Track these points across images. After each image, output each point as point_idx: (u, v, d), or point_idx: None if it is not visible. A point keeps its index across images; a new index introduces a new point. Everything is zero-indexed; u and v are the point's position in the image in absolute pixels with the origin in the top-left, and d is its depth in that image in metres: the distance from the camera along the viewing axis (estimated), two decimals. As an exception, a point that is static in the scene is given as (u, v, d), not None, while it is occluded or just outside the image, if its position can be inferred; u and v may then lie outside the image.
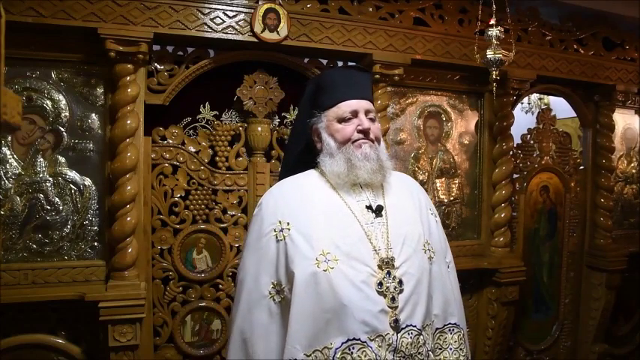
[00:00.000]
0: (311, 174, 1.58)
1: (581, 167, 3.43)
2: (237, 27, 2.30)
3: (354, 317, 1.31)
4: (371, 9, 2.58)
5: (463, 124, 3.01)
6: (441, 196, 2.92)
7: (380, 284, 1.36)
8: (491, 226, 3.00)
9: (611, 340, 3.57)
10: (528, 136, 3.22)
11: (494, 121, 2.97)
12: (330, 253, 1.36)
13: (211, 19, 2.25)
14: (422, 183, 2.86)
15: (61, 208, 2.17)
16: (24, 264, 2.09)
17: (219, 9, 2.27)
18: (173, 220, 2.37)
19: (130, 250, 2.12)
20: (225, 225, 2.46)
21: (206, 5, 2.24)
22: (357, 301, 1.32)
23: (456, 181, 2.97)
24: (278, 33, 2.34)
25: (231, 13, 2.29)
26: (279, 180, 1.66)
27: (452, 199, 2.95)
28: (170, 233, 2.37)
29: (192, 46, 2.38)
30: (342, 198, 1.49)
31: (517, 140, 3.09)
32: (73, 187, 2.19)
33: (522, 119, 4.06)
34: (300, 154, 1.65)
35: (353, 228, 1.43)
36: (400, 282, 1.38)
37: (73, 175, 2.18)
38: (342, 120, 1.50)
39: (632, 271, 3.48)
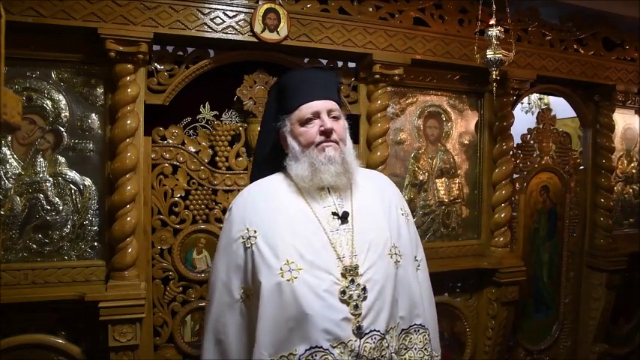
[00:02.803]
0: (280, 177, 1.59)
1: (581, 167, 3.43)
2: (237, 27, 2.30)
3: (316, 326, 1.35)
4: (371, 9, 2.58)
5: (463, 124, 3.01)
6: (441, 196, 2.92)
7: (343, 292, 1.39)
8: (492, 226, 3.00)
9: (611, 340, 3.57)
10: (528, 136, 3.22)
11: (494, 121, 2.97)
12: (294, 263, 1.39)
13: (211, 19, 2.25)
14: (422, 183, 2.86)
15: (61, 208, 2.16)
16: (24, 264, 2.09)
17: (219, 9, 2.27)
18: (173, 220, 2.37)
19: (130, 250, 2.12)
20: (225, 225, 2.46)
21: (206, 5, 2.24)
22: (320, 310, 1.36)
23: (456, 181, 2.97)
24: (278, 33, 2.34)
25: (231, 13, 2.29)
26: (250, 182, 1.67)
27: (452, 199, 2.95)
28: (170, 233, 2.37)
29: (192, 46, 2.38)
30: (308, 204, 1.51)
31: (517, 140, 3.08)
32: (73, 187, 2.19)
33: (522, 119, 4.06)
34: (268, 157, 1.67)
35: (317, 236, 1.45)
36: (364, 289, 1.41)
37: (73, 175, 2.18)
38: (304, 122, 1.51)
39: (632, 271, 3.48)
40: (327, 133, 1.49)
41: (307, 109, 1.50)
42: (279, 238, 1.43)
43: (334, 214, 1.49)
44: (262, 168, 1.67)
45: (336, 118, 1.53)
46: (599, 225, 3.37)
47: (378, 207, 1.58)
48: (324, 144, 1.49)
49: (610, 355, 3.55)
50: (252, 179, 1.68)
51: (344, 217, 1.49)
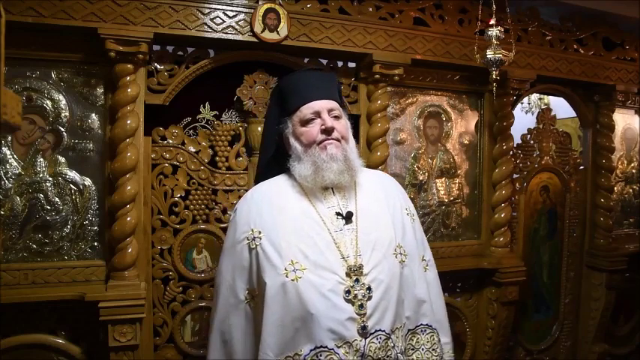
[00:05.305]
0: (284, 179, 1.60)
1: (581, 167, 3.43)
2: (237, 27, 2.30)
3: (321, 326, 1.35)
4: (371, 9, 2.58)
5: (463, 124, 3.01)
6: (441, 196, 2.92)
7: (348, 292, 1.39)
8: (492, 226, 3.00)
9: (611, 340, 3.57)
10: (528, 136, 3.22)
11: (494, 121, 2.97)
12: (299, 263, 1.40)
13: (211, 19, 2.25)
14: (422, 183, 2.86)
15: (61, 208, 2.16)
16: (24, 264, 2.09)
17: (219, 9, 2.27)
18: (173, 220, 2.37)
19: (130, 250, 2.12)
20: (225, 225, 2.45)
21: (206, 5, 2.24)
22: (324, 309, 1.36)
23: (456, 181, 2.97)
24: (278, 33, 2.34)
25: (231, 13, 2.29)
26: (254, 185, 1.69)
27: (452, 199, 2.95)
28: (170, 233, 2.37)
29: (192, 46, 2.38)
30: (312, 204, 1.51)
31: (517, 140, 3.08)
32: (73, 187, 2.19)
33: (522, 119, 4.06)
34: (271, 159, 1.68)
35: (321, 236, 1.46)
36: (369, 289, 1.41)
37: (73, 175, 2.18)
38: (305, 122, 1.52)
39: (632, 271, 3.48)
40: (328, 132, 1.50)
41: (308, 109, 1.52)
42: (283, 238, 1.43)
43: (338, 214, 1.50)
44: (266, 171, 1.68)
45: (337, 117, 1.54)
46: (599, 225, 3.37)
47: (383, 207, 1.58)
48: (326, 142, 1.50)
49: (610, 355, 3.55)
50: (257, 182, 1.69)
51: (348, 217, 1.50)
